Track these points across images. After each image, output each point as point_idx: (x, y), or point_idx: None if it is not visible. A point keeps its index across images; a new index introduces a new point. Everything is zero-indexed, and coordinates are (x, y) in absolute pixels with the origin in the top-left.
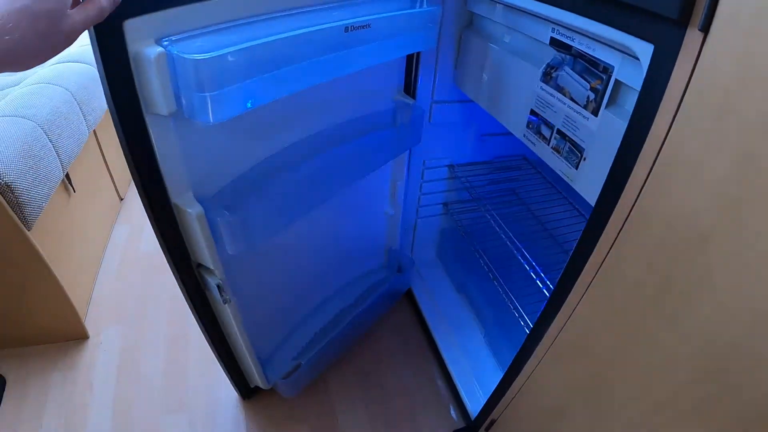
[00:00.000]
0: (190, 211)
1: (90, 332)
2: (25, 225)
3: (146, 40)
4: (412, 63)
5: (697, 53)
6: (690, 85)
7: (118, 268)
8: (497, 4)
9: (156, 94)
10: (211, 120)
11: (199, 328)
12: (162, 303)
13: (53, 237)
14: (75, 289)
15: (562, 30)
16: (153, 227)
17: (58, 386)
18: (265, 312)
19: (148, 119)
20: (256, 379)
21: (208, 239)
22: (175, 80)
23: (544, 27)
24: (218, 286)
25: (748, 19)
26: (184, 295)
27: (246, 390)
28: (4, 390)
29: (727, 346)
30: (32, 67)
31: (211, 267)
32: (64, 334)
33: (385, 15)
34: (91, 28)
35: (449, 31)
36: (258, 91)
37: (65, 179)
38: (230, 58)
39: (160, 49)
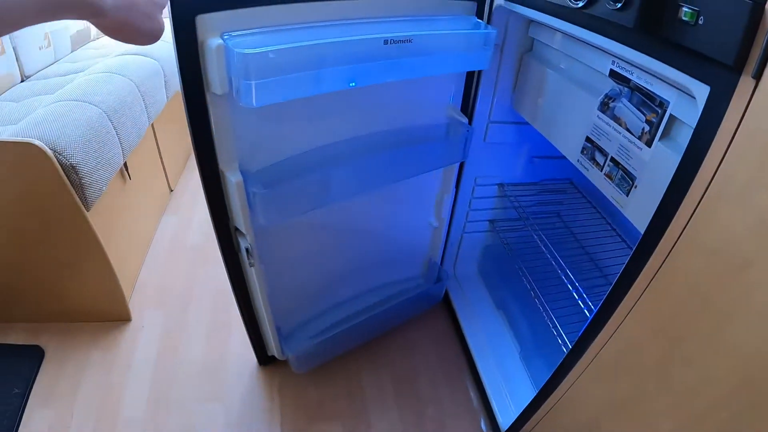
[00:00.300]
0: (232, 179)
1: (133, 315)
2: (84, 205)
3: (212, 33)
4: (471, 82)
5: (749, 97)
6: (741, 125)
7: (164, 256)
8: (557, 32)
9: (213, 76)
10: (254, 103)
11: (241, 321)
12: (205, 294)
13: (107, 220)
14: (123, 272)
15: (621, 63)
16: (203, 188)
17: (97, 364)
18: (293, 289)
19: (208, 96)
20: (273, 347)
21: (243, 206)
22: (229, 68)
23: (604, 59)
24: (246, 250)
25: None
26: (221, 253)
27: (263, 356)
28: (42, 362)
29: (761, 364)
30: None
31: (244, 231)
32: (108, 315)
33: (426, 32)
34: (171, 19)
35: (510, 54)
36: (296, 85)
37: (123, 166)
38: (271, 56)
39: (220, 41)
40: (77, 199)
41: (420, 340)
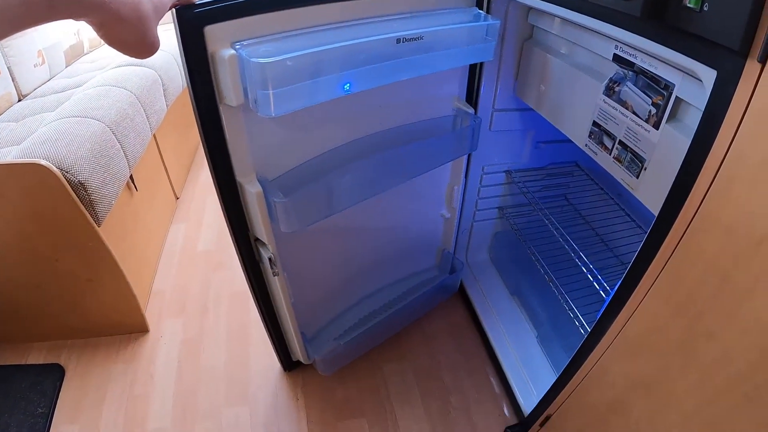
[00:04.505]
0: (251, 190)
1: (150, 326)
2: (95, 221)
3: (222, 43)
4: (475, 73)
5: (756, 80)
6: (749, 107)
7: (176, 264)
8: (556, 19)
9: (227, 88)
10: (273, 113)
11: (260, 322)
12: (221, 299)
13: (118, 233)
14: (137, 284)
15: (625, 48)
16: (219, 202)
17: (119, 377)
18: (314, 292)
19: (221, 108)
20: (298, 353)
21: (264, 216)
22: (244, 78)
23: (607, 44)
24: (269, 259)
25: None
26: (241, 265)
27: (288, 362)
28: (63, 380)
29: None
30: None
31: (265, 241)
32: (126, 327)
33: (437, 28)
34: (178, 31)
35: (511, 42)
36: (315, 91)
37: (130, 179)
38: (289, 63)
39: (232, 51)
40: (88, 216)
41: (439, 332)
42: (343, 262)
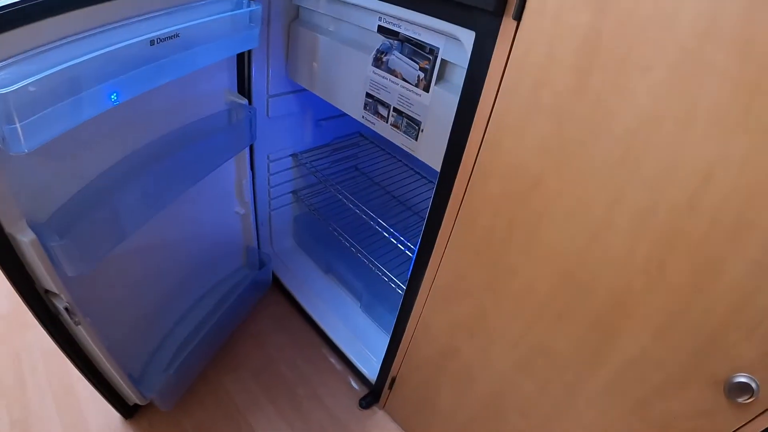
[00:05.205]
0: (23, 239)
1: None
2: None
3: None
4: (243, 62)
5: (512, 37)
6: (509, 63)
7: None
8: None
9: None
10: (25, 150)
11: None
12: (36, 363)
13: None
14: None
15: (388, 18)
16: None
17: None
18: (126, 327)
19: None
20: (132, 396)
21: (46, 264)
22: None
23: (370, 16)
24: (66, 309)
25: (551, 10)
26: (39, 323)
27: (126, 409)
28: None
29: (571, 258)
30: None
31: (56, 291)
32: None
33: (192, 23)
34: None
35: (277, 25)
36: (76, 110)
37: None
38: (31, 89)
39: None
40: None
41: (266, 329)
42: (149, 287)
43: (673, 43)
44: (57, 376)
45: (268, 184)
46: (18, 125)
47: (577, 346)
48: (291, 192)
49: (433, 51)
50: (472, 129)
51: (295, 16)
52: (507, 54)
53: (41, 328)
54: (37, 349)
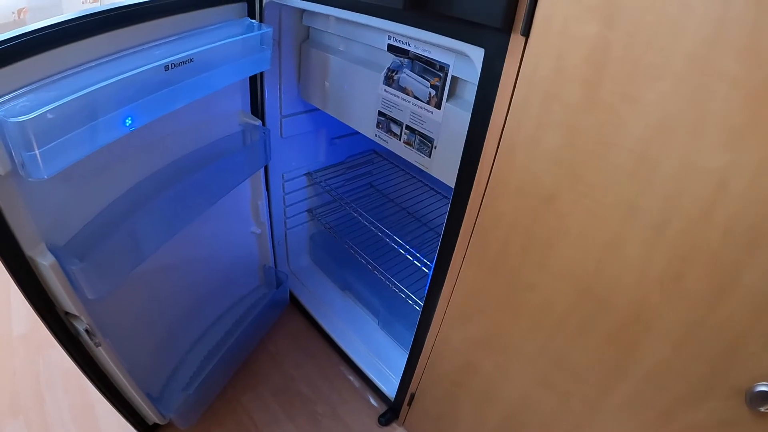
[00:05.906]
0: (44, 263)
1: None
2: None
3: None
4: (256, 83)
5: (521, 53)
6: (519, 78)
7: None
8: (330, 17)
9: None
10: (45, 175)
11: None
12: (55, 381)
13: None
14: None
15: (398, 37)
16: (14, 281)
17: None
18: (146, 348)
19: None
20: (151, 415)
21: (66, 287)
22: (5, 141)
23: (380, 35)
24: (87, 331)
25: (558, 24)
26: (59, 344)
27: (145, 428)
28: None
29: (588, 272)
30: None
31: (76, 313)
32: None
33: (206, 47)
34: None
35: (288, 47)
36: (93, 136)
37: None
38: (50, 116)
39: None
40: None
41: (284, 347)
42: (168, 307)
43: (681, 51)
44: (76, 395)
45: (284, 203)
46: (37, 152)
47: (597, 360)
48: (306, 210)
49: (443, 68)
50: (485, 145)
51: (306, 37)
52: (517, 69)
53: (60, 348)
54: (56, 368)
